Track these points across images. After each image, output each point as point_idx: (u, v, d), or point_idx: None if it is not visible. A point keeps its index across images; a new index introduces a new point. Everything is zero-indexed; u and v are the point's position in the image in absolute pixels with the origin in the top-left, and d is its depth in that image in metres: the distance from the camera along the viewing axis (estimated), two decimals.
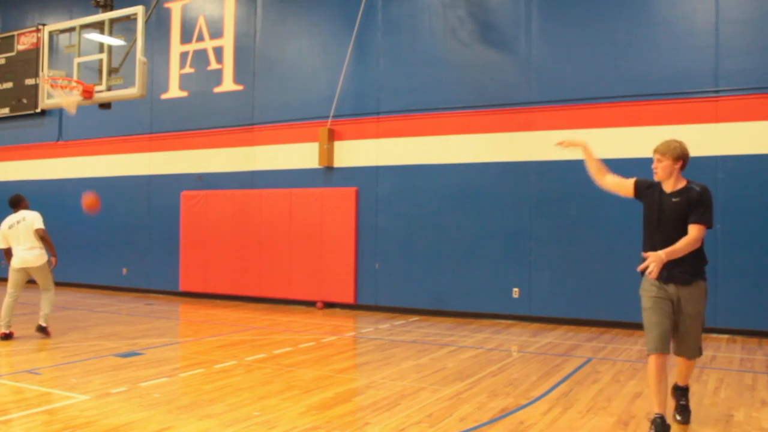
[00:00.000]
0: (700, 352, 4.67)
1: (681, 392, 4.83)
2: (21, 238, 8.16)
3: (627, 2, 9.62)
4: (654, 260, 4.20)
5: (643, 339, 8.41)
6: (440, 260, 10.67)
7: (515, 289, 10.13)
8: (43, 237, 8.25)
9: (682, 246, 4.33)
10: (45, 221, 8.37)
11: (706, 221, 4.41)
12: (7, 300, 8.17)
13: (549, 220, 10.00)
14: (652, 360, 4.35)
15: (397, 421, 4.69)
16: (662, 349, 4.35)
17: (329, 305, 11.59)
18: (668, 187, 4.53)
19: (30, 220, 8.23)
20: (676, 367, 4.84)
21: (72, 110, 9.51)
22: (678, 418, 4.74)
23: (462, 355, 7.37)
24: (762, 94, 8.79)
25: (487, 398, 5.39)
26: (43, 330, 8.25)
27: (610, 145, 9.53)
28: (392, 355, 7.33)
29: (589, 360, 7.12)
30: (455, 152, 10.67)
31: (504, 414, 4.93)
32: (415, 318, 10.43)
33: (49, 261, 8.36)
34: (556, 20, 10.08)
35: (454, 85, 10.74)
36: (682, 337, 4.55)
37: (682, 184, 4.51)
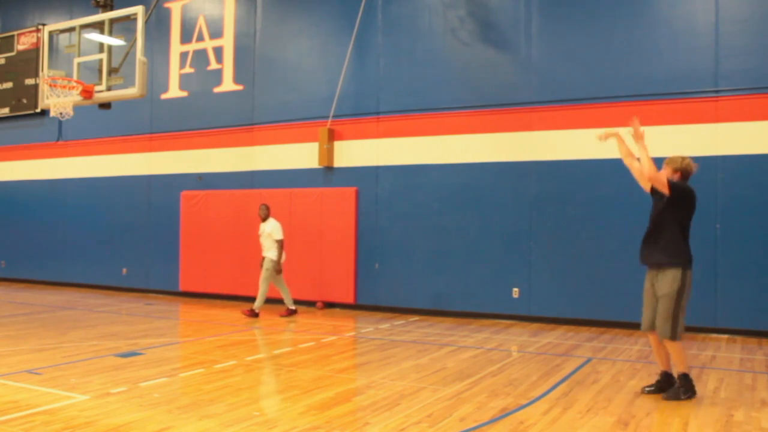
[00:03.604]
0: (664, 334, 5.28)
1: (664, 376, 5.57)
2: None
3: (627, 2, 9.62)
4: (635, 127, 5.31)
5: (644, 339, 8.44)
6: (440, 260, 10.67)
7: (515, 289, 10.13)
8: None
9: (645, 156, 5.21)
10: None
11: (663, 180, 5.23)
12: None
13: (549, 220, 10.00)
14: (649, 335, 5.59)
15: (397, 421, 4.69)
16: (647, 328, 5.52)
17: (329, 305, 11.59)
18: None
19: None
20: None
21: (69, 111, 9.45)
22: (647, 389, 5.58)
23: (462, 355, 7.37)
24: (762, 94, 8.78)
25: (487, 398, 5.39)
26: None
27: (610, 145, 9.49)
28: (392, 355, 7.33)
29: (589, 360, 7.12)
30: (455, 152, 10.67)
31: (504, 414, 4.93)
32: (415, 318, 10.43)
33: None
34: (556, 20, 10.08)
35: (454, 85, 10.74)
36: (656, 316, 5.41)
37: None
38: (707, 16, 9.13)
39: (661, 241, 5.26)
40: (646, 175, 5.25)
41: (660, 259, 5.28)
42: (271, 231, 10.23)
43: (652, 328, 5.43)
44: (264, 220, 10.42)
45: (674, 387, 5.35)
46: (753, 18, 8.95)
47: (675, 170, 5.34)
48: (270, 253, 10.21)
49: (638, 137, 5.28)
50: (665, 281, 5.23)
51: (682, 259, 5.25)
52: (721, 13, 9.05)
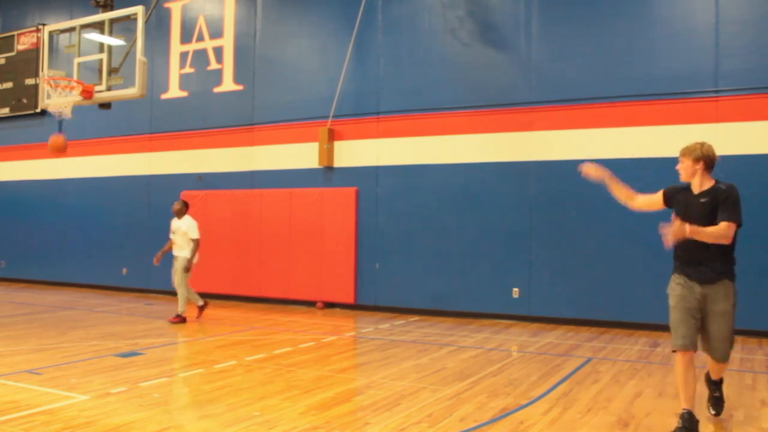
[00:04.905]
0: (726, 357, 4.51)
1: (714, 385, 4.83)
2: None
3: (627, 2, 9.62)
4: (674, 228, 4.19)
5: (644, 339, 8.44)
6: (440, 260, 10.67)
7: (515, 289, 10.13)
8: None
9: (708, 231, 4.26)
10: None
11: (734, 218, 4.35)
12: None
13: (549, 220, 10.00)
14: (678, 357, 4.38)
15: (397, 421, 4.69)
16: (687, 347, 4.34)
17: (329, 305, 11.59)
18: (695, 188, 4.53)
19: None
20: (708, 363, 4.80)
21: (68, 113, 9.45)
22: (711, 411, 4.83)
23: (462, 355, 7.37)
24: (762, 94, 8.78)
25: (487, 398, 5.39)
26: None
27: (610, 145, 9.53)
28: (392, 355, 7.33)
29: (589, 360, 7.12)
30: (455, 152, 10.67)
31: (504, 414, 4.93)
32: (415, 318, 10.43)
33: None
34: (556, 20, 10.08)
35: (454, 85, 10.74)
36: (709, 337, 4.49)
37: (709, 184, 4.50)
38: (707, 16, 9.13)
39: (719, 251, 4.39)
40: (721, 240, 4.32)
41: (714, 275, 4.41)
42: (187, 229, 9.59)
43: (695, 346, 4.38)
44: (179, 216, 9.77)
45: (721, 406, 4.83)
46: (753, 18, 8.95)
47: (696, 160, 4.44)
48: (184, 252, 9.63)
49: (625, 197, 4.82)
50: (720, 296, 4.40)
51: (734, 270, 4.50)
52: (721, 14, 9.05)
